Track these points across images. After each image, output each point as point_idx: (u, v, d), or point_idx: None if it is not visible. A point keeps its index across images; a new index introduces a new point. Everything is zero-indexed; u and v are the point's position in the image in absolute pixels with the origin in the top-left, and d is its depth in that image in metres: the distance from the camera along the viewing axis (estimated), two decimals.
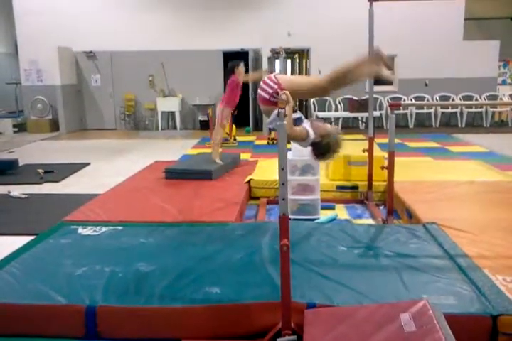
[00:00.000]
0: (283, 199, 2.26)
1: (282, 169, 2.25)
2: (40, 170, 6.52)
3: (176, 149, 8.80)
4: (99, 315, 2.41)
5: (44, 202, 5.16)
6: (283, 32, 11.52)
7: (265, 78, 3.28)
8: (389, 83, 11.62)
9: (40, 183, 6.09)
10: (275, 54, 11.16)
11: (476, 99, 11.59)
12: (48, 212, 4.70)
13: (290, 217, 4.34)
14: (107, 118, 12.40)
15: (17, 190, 5.53)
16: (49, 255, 3.14)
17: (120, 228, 3.66)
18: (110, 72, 12.18)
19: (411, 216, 4.01)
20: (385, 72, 3.27)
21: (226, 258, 3.02)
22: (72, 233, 3.57)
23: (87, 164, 7.36)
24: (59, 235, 3.52)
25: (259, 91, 3.26)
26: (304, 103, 12.47)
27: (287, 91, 2.90)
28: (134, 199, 4.60)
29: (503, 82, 15.33)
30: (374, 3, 4.44)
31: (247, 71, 11.45)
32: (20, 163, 7.04)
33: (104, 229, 3.63)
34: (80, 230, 3.62)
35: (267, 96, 3.16)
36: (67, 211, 4.23)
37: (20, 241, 3.56)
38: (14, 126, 12.03)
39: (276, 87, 3.12)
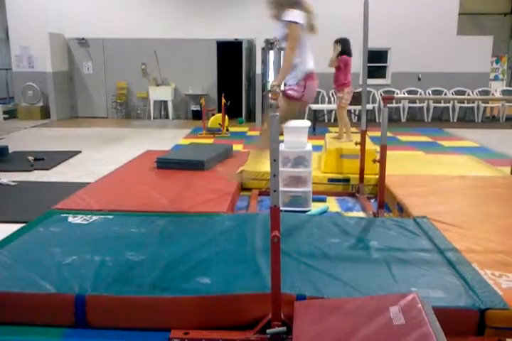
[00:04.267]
0: (274, 191, 2.25)
1: (274, 160, 2.24)
2: (31, 158, 6.46)
3: (168, 139, 8.77)
4: (89, 304, 2.40)
5: (34, 190, 5.12)
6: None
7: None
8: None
9: (30, 171, 6.04)
10: (269, 45, 11.12)
11: (469, 94, 11.63)
12: (38, 199, 4.67)
13: (281, 208, 4.35)
14: (98, 107, 12.31)
15: (6, 177, 5.48)
16: (38, 243, 3.12)
17: (111, 217, 3.64)
18: (102, 59, 12.07)
19: (402, 209, 4.03)
20: None
21: (217, 249, 3.02)
22: (62, 221, 3.54)
23: (78, 152, 7.31)
24: (49, 223, 3.50)
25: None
26: None
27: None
28: (125, 188, 4.58)
29: (496, 78, 15.40)
30: None
31: (240, 61, 11.47)
32: (10, 150, 6.97)
33: (94, 217, 3.61)
34: (70, 219, 3.60)
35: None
36: (57, 199, 4.20)
37: (9, 228, 3.53)
38: (4, 112, 11.90)
39: None
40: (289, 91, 3.50)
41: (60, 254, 2.90)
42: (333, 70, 6.01)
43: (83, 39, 11.92)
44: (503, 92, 12.46)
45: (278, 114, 2.25)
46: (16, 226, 3.54)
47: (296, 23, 3.42)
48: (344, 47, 5.89)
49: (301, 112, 11.17)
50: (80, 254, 2.89)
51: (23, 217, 3.97)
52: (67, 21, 11.71)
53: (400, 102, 11.52)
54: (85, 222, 3.52)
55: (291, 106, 3.65)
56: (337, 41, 5.93)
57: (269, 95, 2.80)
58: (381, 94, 11.59)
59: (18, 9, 11.79)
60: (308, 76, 3.51)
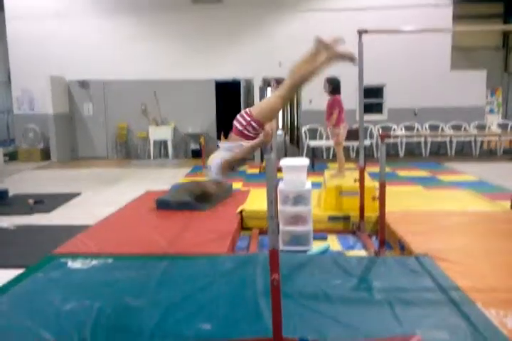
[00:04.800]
0: (273, 233, 2.25)
1: (271, 202, 2.25)
2: (30, 201, 6.46)
3: (168, 178, 8.79)
4: None
5: (34, 234, 5.10)
6: (274, 62, 11.70)
7: (241, 112, 3.59)
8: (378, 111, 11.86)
9: (30, 214, 6.04)
10: (266, 83, 11.33)
11: (465, 128, 11.74)
12: (38, 243, 4.64)
13: (283, 248, 4.35)
14: (98, 147, 12.40)
15: (6, 221, 5.48)
16: (38, 290, 3.09)
17: (110, 261, 3.62)
18: (103, 100, 12.24)
19: (403, 247, 4.00)
20: (340, 50, 3.68)
21: (218, 293, 2.99)
22: (62, 266, 3.52)
23: (78, 194, 7.32)
24: (48, 269, 3.47)
25: (234, 122, 3.56)
26: (296, 132, 12.57)
27: (270, 126, 3.08)
28: (125, 230, 4.56)
29: (491, 111, 15.57)
30: (363, 35, 4.53)
31: (239, 99, 11.64)
32: (11, 193, 6.99)
33: (94, 262, 3.59)
34: (70, 263, 3.57)
35: (240, 128, 3.55)
36: (57, 243, 4.18)
37: (9, 274, 3.50)
38: (5, 155, 11.96)
39: (249, 118, 3.46)
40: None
41: (60, 301, 2.87)
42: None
43: (84, 81, 12.12)
44: (499, 125, 12.58)
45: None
46: (17, 272, 3.52)
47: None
48: (334, 86, 6.05)
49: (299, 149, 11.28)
50: (80, 301, 2.86)
51: (23, 262, 3.94)
52: (68, 64, 11.95)
53: (398, 137, 11.61)
54: (85, 267, 3.50)
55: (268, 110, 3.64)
56: (328, 80, 6.07)
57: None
58: (378, 130, 11.70)
59: (19, 52, 12.06)
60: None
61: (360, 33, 4.49)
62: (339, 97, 6.03)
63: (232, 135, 3.65)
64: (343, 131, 6.10)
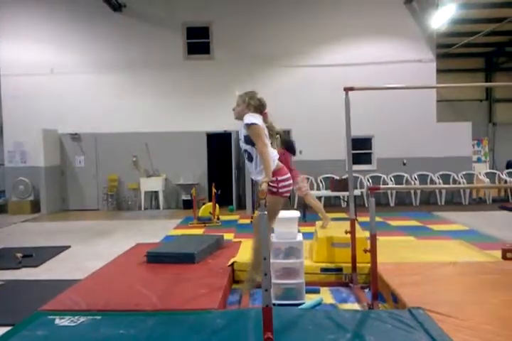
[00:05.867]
0: (266, 290, 2.24)
1: (265, 259, 2.25)
2: (19, 254, 6.38)
3: (159, 229, 8.74)
4: None
5: (21, 289, 5.00)
6: None
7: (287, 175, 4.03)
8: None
9: (18, 268, 5.94)
10: None
11: (454, 177, 11.89)
12: (25, 299, 4.55)
13: (275, 302, 4.28)
14: (89, 199, 12.37)
15: None
16: None
17: (99, 317, 3.54)
18: (94, 153, 12.34)
19: (396, 300, 3.96)
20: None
21: None
22: (49, 324, 3.44)
23: (68, 247, 7.23)
24: (35, 326, 3.39)
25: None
26: None
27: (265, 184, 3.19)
28: (114, 285, 4.49)
29: (478, 160, 15.82)
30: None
31: (229, 150, 11.78)
32: None
33: (82, 319, 3.51)
34: (57, 320, 3.49)
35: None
36: (45, 298, 4.10)
37: None
38: None
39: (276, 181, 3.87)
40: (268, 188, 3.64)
41: None
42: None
43: (76, 134, 12.25)
44: (487, 175, 12.75)
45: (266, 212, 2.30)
46: (2, 330, 3.43)
47: (254, 124, 3.84)
48: (286, 146, 6.40)
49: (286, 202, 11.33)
50: None
51: (9, 319, 3.85)
52: (61, 117, 12.12)
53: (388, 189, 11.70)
54: (73, 324, 3.42)
55: (273, 202, 3.76)
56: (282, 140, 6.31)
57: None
58: (368, 180, 11.82)
59: (12, 107, 12.23)
60: (276, 171, 3.72)
61: (346, 90, 4.63)
62: (285, 152, 6.36)
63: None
64: (301, 183, 6.42)
